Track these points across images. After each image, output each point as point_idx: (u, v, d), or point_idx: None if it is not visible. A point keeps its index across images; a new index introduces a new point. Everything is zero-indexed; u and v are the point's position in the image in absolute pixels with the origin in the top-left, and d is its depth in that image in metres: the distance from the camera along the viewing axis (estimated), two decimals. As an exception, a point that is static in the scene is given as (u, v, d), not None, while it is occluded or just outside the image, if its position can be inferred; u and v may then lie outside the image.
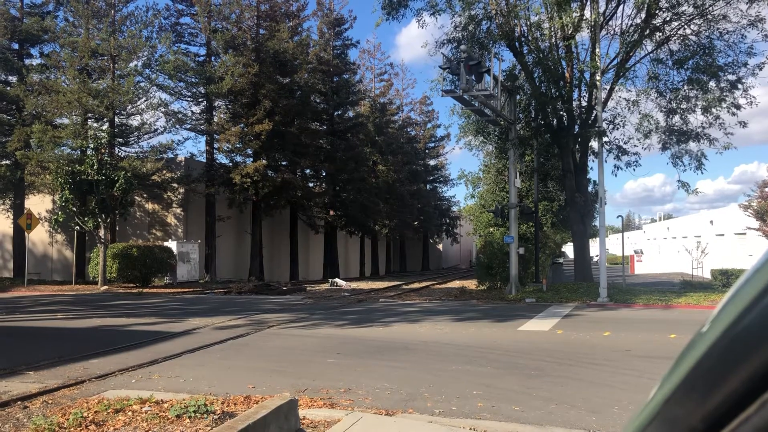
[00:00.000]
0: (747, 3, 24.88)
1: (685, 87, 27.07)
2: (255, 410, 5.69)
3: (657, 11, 25.52)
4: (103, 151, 31.38)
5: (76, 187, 29.44)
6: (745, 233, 35.94)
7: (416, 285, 37.07)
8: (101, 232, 30.58)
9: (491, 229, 36.10)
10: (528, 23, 26.67)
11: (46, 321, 16.98)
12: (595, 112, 25.94)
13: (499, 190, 41.86)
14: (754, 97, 26.39)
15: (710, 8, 25.53)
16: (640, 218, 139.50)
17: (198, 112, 40.07)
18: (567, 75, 27.63)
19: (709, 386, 0.68)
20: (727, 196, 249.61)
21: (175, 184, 37.26)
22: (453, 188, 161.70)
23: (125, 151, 36.96)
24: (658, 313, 18.94)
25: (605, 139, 25.59)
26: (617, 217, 78.19)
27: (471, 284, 30.48)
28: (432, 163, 71.11)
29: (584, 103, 28.33)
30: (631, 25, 26.90)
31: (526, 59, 26.76)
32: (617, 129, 29.24)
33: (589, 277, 29.29)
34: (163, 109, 36.53)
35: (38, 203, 37.02)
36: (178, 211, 39.02)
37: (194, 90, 38.59)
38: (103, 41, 34.29)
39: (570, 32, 25.24)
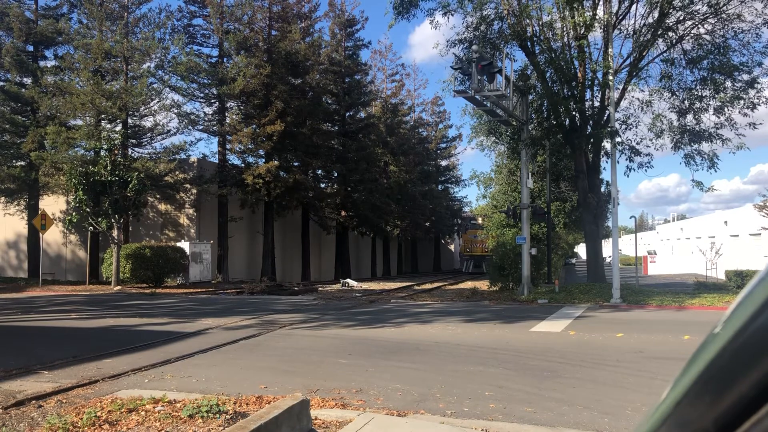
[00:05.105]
0: (762, 2, 24.64)
1: (699, 86, 26.86)
2: (267, 410, 5.70)
3: (670, 10, 25.32)
4: (116, 152, 31.61)
5: (89, 188, 29.67)
6: (760, 234, 35.60)
7: (428, 286, 37.03)
8: (114, 233, 30.80)
9: (503, 230, 36.02)
10: (540, 23, 26.55)
11: (61, 321, 17.11)
12: (607, 112, 25.77)
13: (511, 190, 41.72)
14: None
15: (724, 7, 25.30)
16: (653, 219, 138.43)
17: (210, 113, 40.27)
18: (579, 75, 27.49)
19: (720, 388, 0.67)
20: (743, 196, 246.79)
21: (187, 185, 37.45)
22: (465, 189, 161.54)
23: (138, 152, 37.22)
24: (672, 315, 18.81)
25: (618, 139, 25.42)
26: (630, 217, 77.74)
27: (483, 285, 30.41)
28: (444, 163, 71.02)
29: (597, 104, 28.16)
30: (644, 24, 26.71)
31: (538, 59, 26.64)
32: (630, 129, 29.02)
33: (601, 278, 29.11)
34: (175, 111, 36.78)
35: (52, 204, 37.31)
36: (191, 211, 39.20)
37: (207, 91, 38.79)
38: (117, 43, 34.56)
39: (582, 32, 25.10)
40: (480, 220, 60.34)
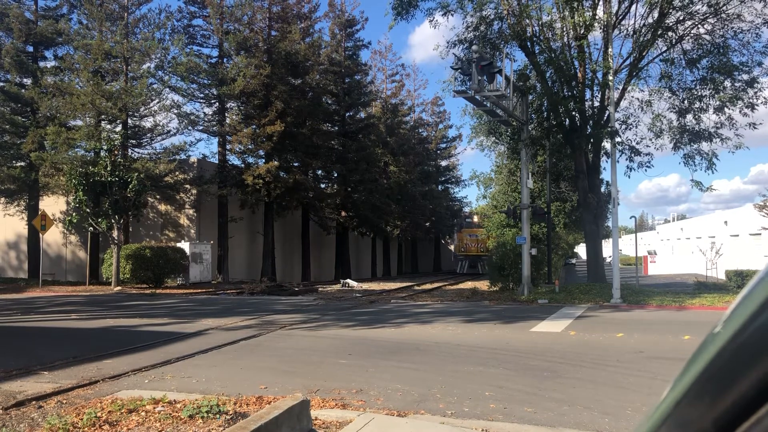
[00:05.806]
0: (762, 2, 24.64)
1: (698, 86, 26.87)
2: (267, 411, 5.70)
3: (670, 11, 25.33)
4: (116, 152, 31.61)
5: (89, 189, 29.66)
6: (760, 234, 35.61)
7: (428, 286, 37.04)
8: (114, 233, 30.79)
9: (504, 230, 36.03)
10: (540, 23, 26.55)
11: (61, 321, 17.11)
12: (607, 112, 25.76)
13: (511, 190, 41.71)
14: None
15: (724, 7, 25.30)
16: (653, 219, 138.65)
17: (210, 113, 40.29)
18: (579, 75, 27.49)
19: (720, 388, 0.67)
20: (743, 196, 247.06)
21: (187, 186, 37.45)
22: (465, 189, 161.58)
23: (138, 153, 37.22)
24: (672, 315, 18.81)
25: (618, 139, 25.42)
26: (630, 217, 77.83)
27: (483, 285, 30.41)
28: (444, 163, 71.04)
29: (597, 104, 28.16)
30: (644, 24, 26.71)
31: (537, 59, 26.65)
32: (630, 129, 29.02)
33: (602, 278, 29.11)
34: (175, 111, 36.77)
35: (52, 204, 37.29)
36: (191, 212, 39.20)
37: (207, 91, 38.80)
38: (117, 43, 34.56)
39: (582, 32, 25.10)
40: (476, 219, 60.08)
